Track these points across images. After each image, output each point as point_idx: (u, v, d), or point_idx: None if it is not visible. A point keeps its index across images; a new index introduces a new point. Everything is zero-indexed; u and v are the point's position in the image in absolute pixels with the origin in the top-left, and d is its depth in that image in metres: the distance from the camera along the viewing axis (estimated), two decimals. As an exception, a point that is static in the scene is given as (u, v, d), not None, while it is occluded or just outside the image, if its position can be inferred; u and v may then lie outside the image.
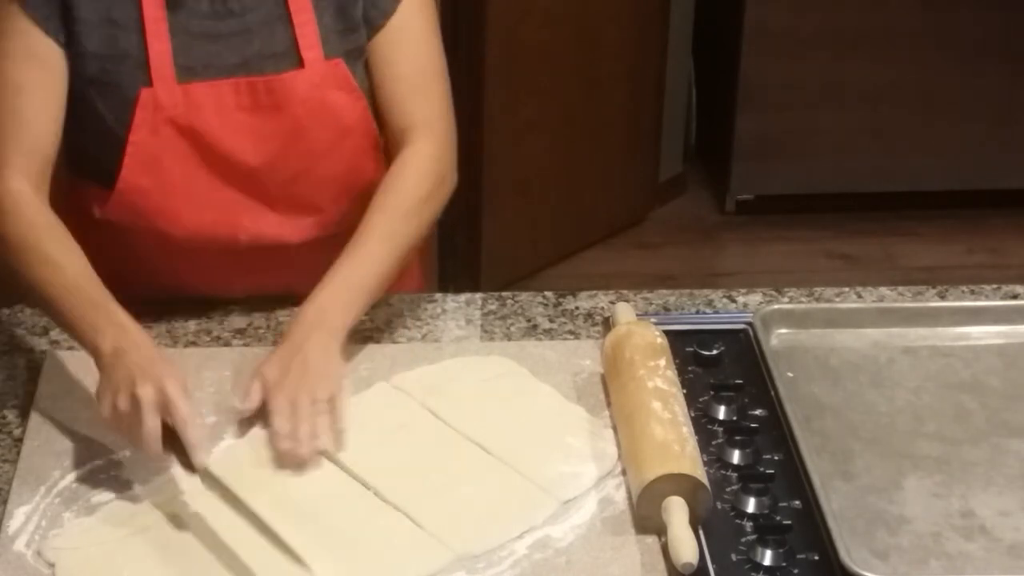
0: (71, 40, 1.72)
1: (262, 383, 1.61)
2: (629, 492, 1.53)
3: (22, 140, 1.71)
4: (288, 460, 1.55)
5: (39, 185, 1.71)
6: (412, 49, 1.82)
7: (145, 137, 1.74)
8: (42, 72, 1.71)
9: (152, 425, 1.50)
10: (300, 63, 1.76)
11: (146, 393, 1.50)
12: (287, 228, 1.84)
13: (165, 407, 1.51)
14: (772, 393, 1.65)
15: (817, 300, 1.92)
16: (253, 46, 1.75)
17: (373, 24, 1.80)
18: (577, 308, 1.89)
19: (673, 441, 1.51)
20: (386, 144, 1.85)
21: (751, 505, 1.49)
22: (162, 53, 1.72)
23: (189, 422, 1.51)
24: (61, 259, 1.66)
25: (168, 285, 1.85)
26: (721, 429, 1.61)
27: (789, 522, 1.47)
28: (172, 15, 1.72)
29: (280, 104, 1.76)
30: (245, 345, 1.80)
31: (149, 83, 1.72)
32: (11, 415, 1.68)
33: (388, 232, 1.74)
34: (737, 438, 1.58)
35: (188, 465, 1.51)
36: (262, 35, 1.75)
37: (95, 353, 1.59)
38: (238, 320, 1.85)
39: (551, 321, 1.86)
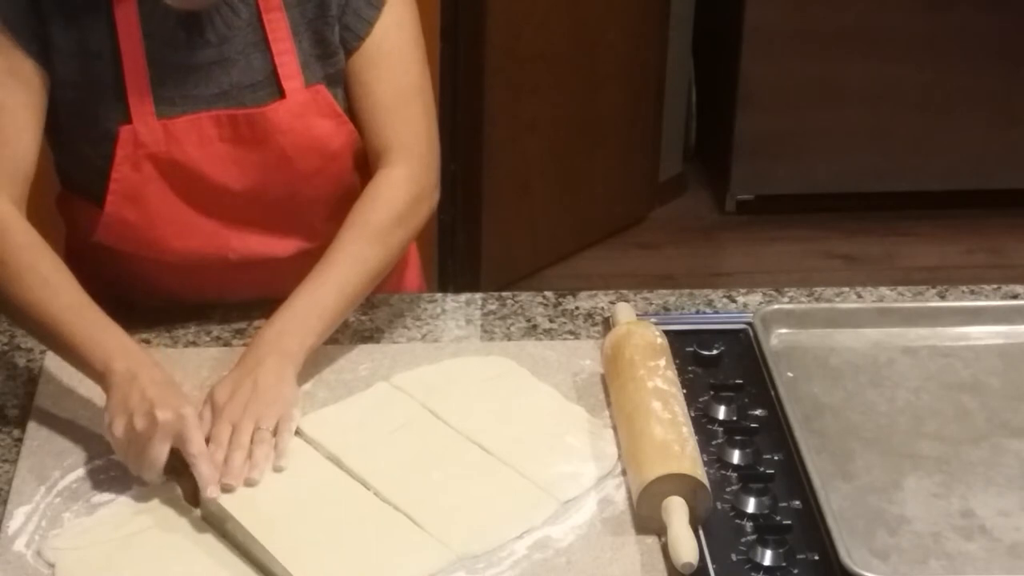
0: (48, 66, 1.70)
1: (211, 406, 1.59)
2: (629, 492, 1.53)
3: (3, 160, 1.69)
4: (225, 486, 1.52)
5: (20, 205, 1.70)
6: (388, 69, 1.79)
7: (127, 173, 1.73)
8: (23, 92, 1.69)
9: (159, 451, 1.50)
10: (280, 92, 1.74)
11: (166, 418, 1.50)
12: (277, 246, 1.83)
13: (179, 436, 1.50)
14: (772, 393, 1.65)
15: (817, 300, 1.92)
16: (231, 76, 1.73)
17: (348, 47, 1.77)
18: (577, 308, 1.89)
19: (673, 441, 1.51)
20: (364, 166, 1.83)
21: (751, 505, 1.49)
22: (141, 88, 1.70)
23: (202, 457, 1.50)
24: (57, 281, 1.64)
25: (163, 295, 1.85)
26: (721, 429, 1.61)
27: (789, 522, 1.47)
28: (148, 45, 1.70)
29: (263, 136, 1.74)
30: (245, 345, 1.79)
31: (128, 118, 1.71)
32: (11, 415, 1.68)
33: (356, 255, 1.72)
34: (737, 438, 1.58)
35: (191, 498, 1.51)
36: (240, 65, 1.73)
37: (105, 373, 1.57)
38: (238, 320, 1.85)
39: (551, 321, 1.86)
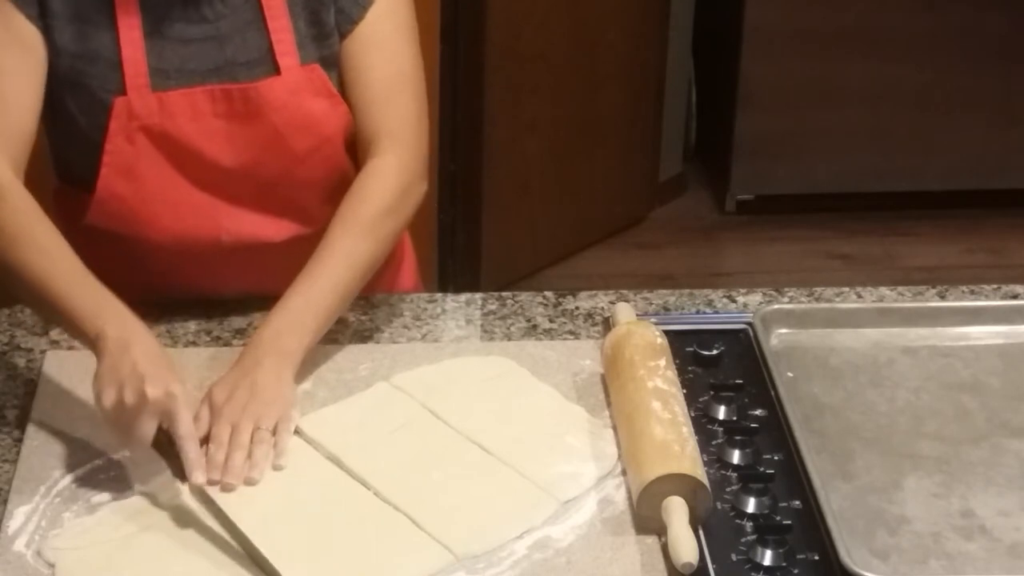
0: (46, 32, 1.71)
1: (209, 406, 1.59)
2: (629, 492, 1.53)
3: (4, 123, 1.70)
4: (225, 487, 1.52)
5: (18, 170, 1.70)
6: (380, 56, 1.79)
7: (120, 145, 1.73)
8: (24, 56, 1.70)
9: (148, 428, 1.51)
10: (276, 69, 1.75)
11: (155, 395, 1.49)
12: (269, 228, 1.83)
13: (167, 414, 1.50)
14: (772, 393, 1.65)
15: (817, 300, 1.92)
16: (226, 53, 1.74)
17: (342, 31, 1.78)
18: (577, 308, 1.89)
19: (673, 441, 1.51)
20: (356, 149, 1.83)
21: (751, 505, 1.49)
22: (136, 60, 1.70)
23: (190, 438, 1.51)
24: (53, 247, 1.65)
25: (157, 286, 1.85)
26: (721, 429, 1.61)
27: (789, 522, 1.47)
28: (145, 17, 1.70)
29: (257, 112, 1.74)
30: (245, 345, 1.80)
31: (122, 89, 1.71)
32: (11, 415, 1.68)
33: (348, 249, 1.72)
34: (737, 438, 1.58)
35: (180, 472, 1.51)
36: (235, 42, 1.74)
37: (98, 339, 1.56)
38: (238, 320, 1.85)
39: (551, 321, 1.86)
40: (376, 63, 1.79)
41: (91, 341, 1.58)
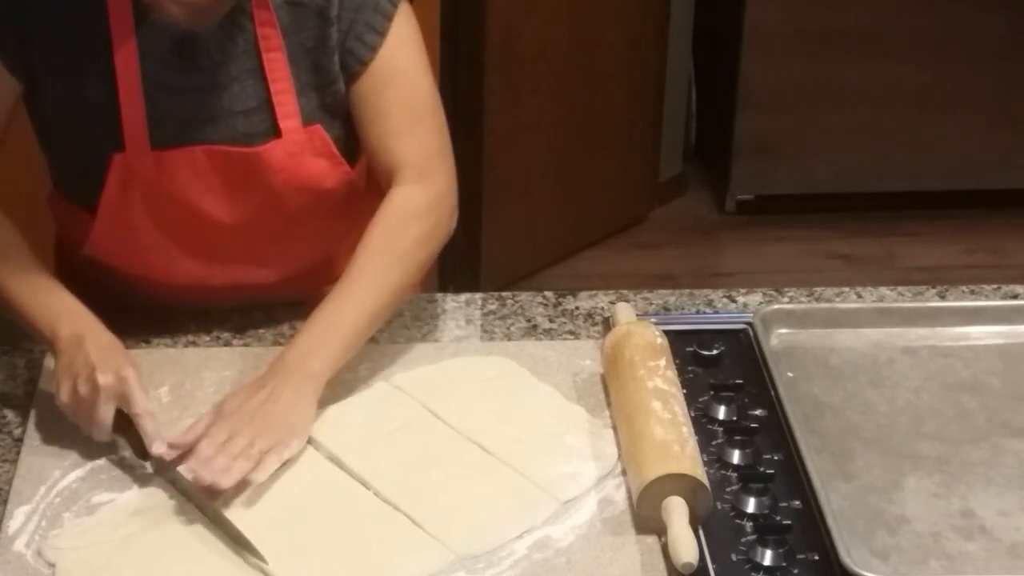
0: (34, 84, 1.69)
1: (218, 410, 1.58)
2: (629, 492, 1.54)
3: None
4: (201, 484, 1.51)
5: None
6: (396, 88, 1.75)
7: (116, 200, 1.71)
8: None
9: (105, 413, 1.55)
10: (275, 125, 1.71)
11: (107, 381, 1.54)
12: (261, 274, 1.83)
13: (122, 397, 1.55)
14: (772, 393, 1.65)
15: (817, 300, 1.92)
16: (222, 101, 1.69)
17: (351, 71, 1.73)
18: (577, 308, 1.89)
19: (673, 441, 1.51)
20: (378, 183, 1.78)
21: (751, 505, 1.49)
22: (135, 116, 1.67)
23: (145, 415, 1.55)
24: (5, 245, 1.68)
25: (152, 303, 1.84)
26: (721, 429, 1.61)
27: (789, 522, 1.47)
28: (141, 67, 1.67)
29: (257, 175, 1.72)
30: (245, 345, 1.80)
31: (120, 144, 1.68)
32: (11, 415, 1.68)
33: (375, 278, 1.69)
34: (737, 438, 1.58)
35: (140, 452, 1.56)
36: (233, 90, 1.69)
37: (52, 337, 1.62)
38: (238, 320, 1.85)
39: (551, 321, 1.86)
40: (393, 96, 1.75)
41: (47, 341, 1.63)
